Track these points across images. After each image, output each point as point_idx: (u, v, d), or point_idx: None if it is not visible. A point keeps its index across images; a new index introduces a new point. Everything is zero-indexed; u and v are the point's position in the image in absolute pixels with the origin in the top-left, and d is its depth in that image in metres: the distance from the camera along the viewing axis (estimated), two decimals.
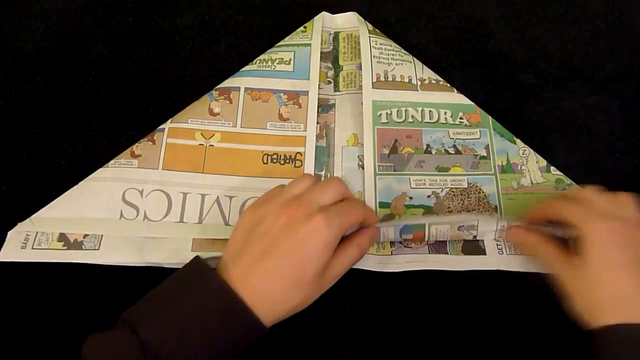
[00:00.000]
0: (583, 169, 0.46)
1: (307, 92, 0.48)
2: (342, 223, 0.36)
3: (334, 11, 0.53)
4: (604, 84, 0.51)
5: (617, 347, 0.34)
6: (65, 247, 0.42)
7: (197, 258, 0.35)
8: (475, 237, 0.42)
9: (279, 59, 0.49)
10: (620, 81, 0.51)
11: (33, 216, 0.42)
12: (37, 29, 0.53)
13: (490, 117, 0.48)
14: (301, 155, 0.46)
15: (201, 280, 0.33)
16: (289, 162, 0.45)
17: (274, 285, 0.33)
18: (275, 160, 0.45)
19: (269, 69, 0.48)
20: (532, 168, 0.46)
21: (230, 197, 0.44)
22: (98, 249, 0.41)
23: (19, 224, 0.42)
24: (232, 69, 0.49)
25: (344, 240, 0.37)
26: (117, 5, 0.55)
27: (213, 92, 0.47)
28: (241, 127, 0.46)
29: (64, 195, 0.43)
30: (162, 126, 0.46)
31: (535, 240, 0.39)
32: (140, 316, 0.32)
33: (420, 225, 0.41)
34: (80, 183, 0.43)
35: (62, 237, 0.42)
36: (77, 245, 0.42)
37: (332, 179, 0.39)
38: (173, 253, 0.42)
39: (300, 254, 0.34)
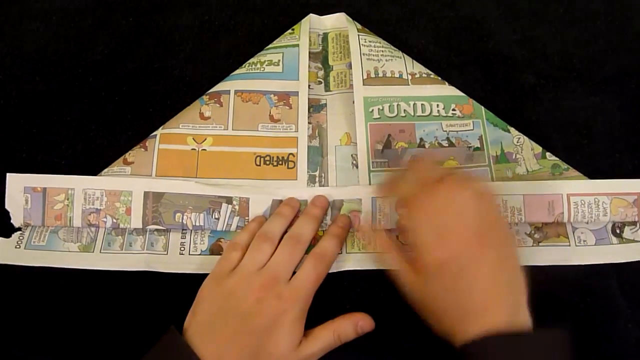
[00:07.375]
0: (583, 169, 0.46)
1: (297, 92, 0.48)
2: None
3: (334, 11, 0.53)
4: (604, 84, 0.51)
5: None
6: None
7: (173, 331, 0.35)
8: None
9: (267, 60, 0.49)
10: (620, 81, 0.51)
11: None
12: (37, 29, 0.53)
13: (482, 107, 0.48)
14: (294, 156, 0.45)
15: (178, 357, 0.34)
16: (282, 164, 0.45)
17: None
18: (268, 162, 0.45)
19: (258, 70, 0.48)
20: (527, 156, 0.45)
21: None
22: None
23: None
24: (232, 69, 0.49)
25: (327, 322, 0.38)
26: (117, 5, 0.54)
27: (204, 97, 0.47)
28: (232, 129, 0.46)
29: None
30: (154, 133, 0.46)
31: (382, 243, 0.39)
32: None
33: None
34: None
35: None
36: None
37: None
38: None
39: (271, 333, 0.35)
